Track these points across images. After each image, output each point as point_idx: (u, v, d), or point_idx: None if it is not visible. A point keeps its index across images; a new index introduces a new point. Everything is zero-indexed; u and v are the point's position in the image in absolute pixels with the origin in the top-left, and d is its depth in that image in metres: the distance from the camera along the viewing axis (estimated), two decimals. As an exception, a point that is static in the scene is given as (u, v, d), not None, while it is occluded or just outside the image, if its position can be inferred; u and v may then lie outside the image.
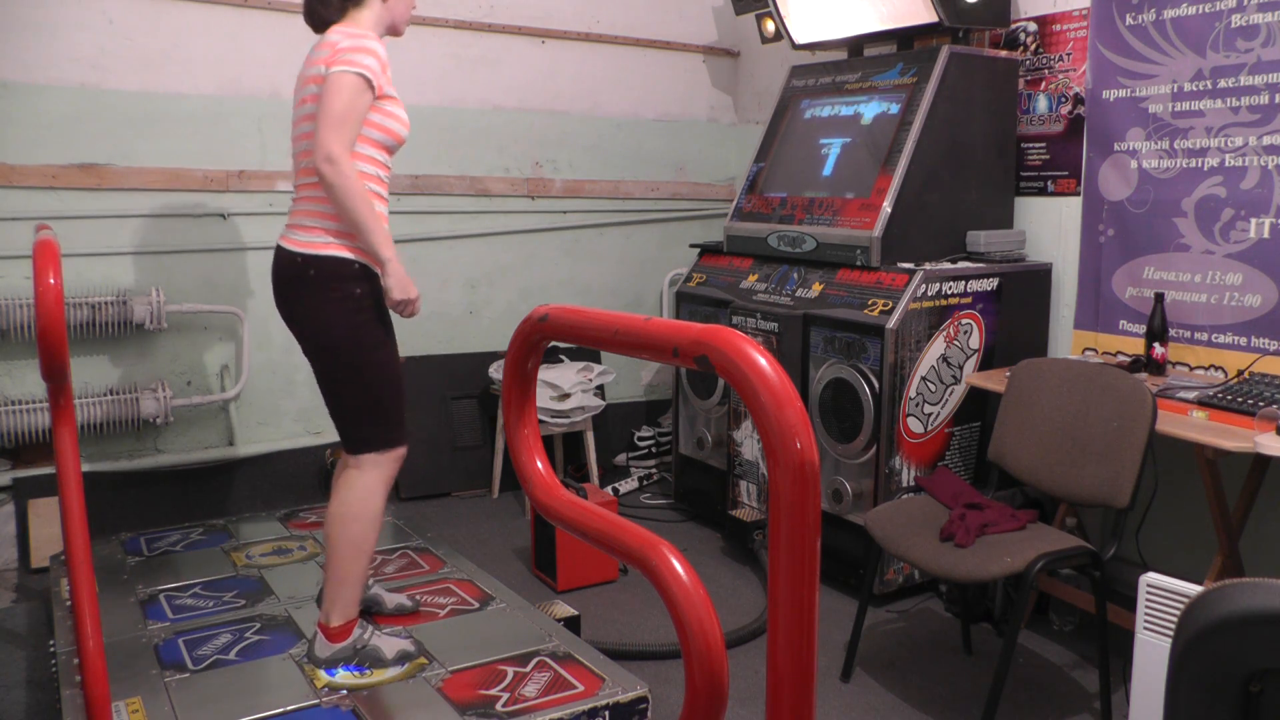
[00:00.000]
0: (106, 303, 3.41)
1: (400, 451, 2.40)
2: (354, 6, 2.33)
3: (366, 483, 2.35)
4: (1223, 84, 2.87)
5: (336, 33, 2.26)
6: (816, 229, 3.38)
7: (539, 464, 1.30)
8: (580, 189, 4.51)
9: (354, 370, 2.30)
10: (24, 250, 3.26)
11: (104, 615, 2.16)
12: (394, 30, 2.42)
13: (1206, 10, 2.88)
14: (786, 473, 0.86)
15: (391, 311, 2.35)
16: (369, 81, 2.20)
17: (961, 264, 3.21)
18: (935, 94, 3.23)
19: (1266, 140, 2.78)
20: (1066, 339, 3.36)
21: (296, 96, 2.37)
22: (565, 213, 4.50)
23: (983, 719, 2.30)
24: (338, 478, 2.41)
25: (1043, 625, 3.02)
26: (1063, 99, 3.34)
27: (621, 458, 4.63)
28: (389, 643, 2.45)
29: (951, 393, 3.16)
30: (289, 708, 2.22)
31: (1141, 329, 3.00)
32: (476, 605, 2.81)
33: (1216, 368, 2.91)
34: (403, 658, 2.43)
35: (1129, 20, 3.09)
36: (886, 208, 3.17)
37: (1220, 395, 2.52)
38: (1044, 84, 3.40)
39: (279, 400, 3.93)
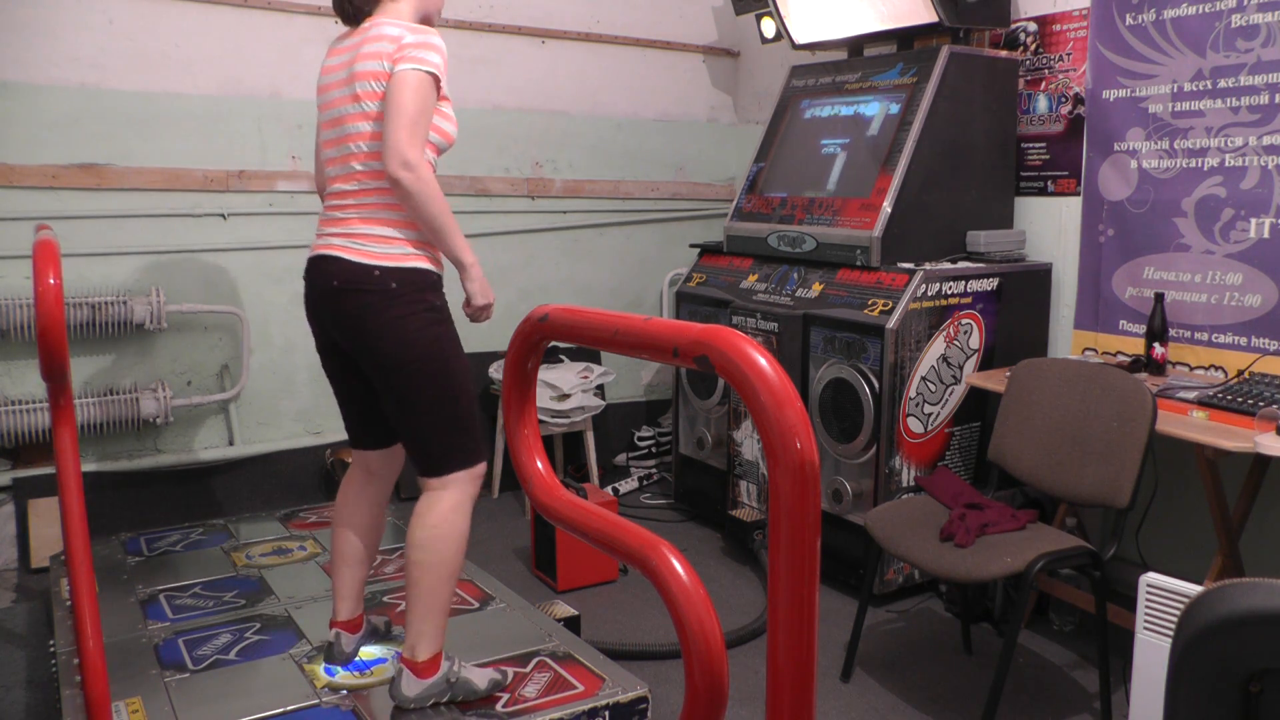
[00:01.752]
0: (106, 303, 3.41)
1: (484, 467, 2.25)
2: None
3: (454, 501, 2.18)
4: (1223, 84, 2.87)
5: (391, 25, 2.06)
6: (816, 229, 3.38)
7: (539, 464, 1.30)
8: (580, 189, 4.51)
9: (439, 385, 2.12)
10: (24, 250, 3.26)
11: (104, 615, 2.16)
12: (428, 20, 2.21)
13: (1206, 10, 2.88)
14: (786, 473, 0.86)
15: (467, 316, 2.23)
16: (438, 81, 2.04)
17: (961, 264, 3.21)
18: (935, 94, 3.23)
19: (1266, 140, 2.78)
20: (1066, 339, 3.36)
21: (335, 93, 2.14)
22: (565, 213, 4.50)
23: (983, 719, 2.30)
24: (420, 505, 2.22)
25: (1043, 625, 3.02)
26: (1063, 99, 3.34)
27: (621, 458, 4.63)
28: (479, 673, 2.27)
29: (951, 393, 3.16)
30: (289, 708, 2.22)
31: (1141, 329, 3.00)
32: (476, 605, 2.81)
33: (1216, 368, 2.91)
34: (495, 686, 2.27)
35: (1129, 20, 3.09)
36: (886, 208, 3.17)
37: (1220, 395, 2.52)
38: (1044, 84, 3.40)
39: (279, 400, 3.93)
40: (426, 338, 2.09)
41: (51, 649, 2.61)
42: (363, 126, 2.09)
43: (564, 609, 2.81)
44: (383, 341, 2.08)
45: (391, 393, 2.14)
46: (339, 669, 2.36)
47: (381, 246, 2.08)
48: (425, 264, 2.12)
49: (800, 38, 3.89)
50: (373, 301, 2.06)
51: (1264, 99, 2.77)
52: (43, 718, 2.49)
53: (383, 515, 2.44)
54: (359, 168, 2.11)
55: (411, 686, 2.17)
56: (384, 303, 2.06)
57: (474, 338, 4.33)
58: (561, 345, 4.29)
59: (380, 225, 2.09)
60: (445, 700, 2.20)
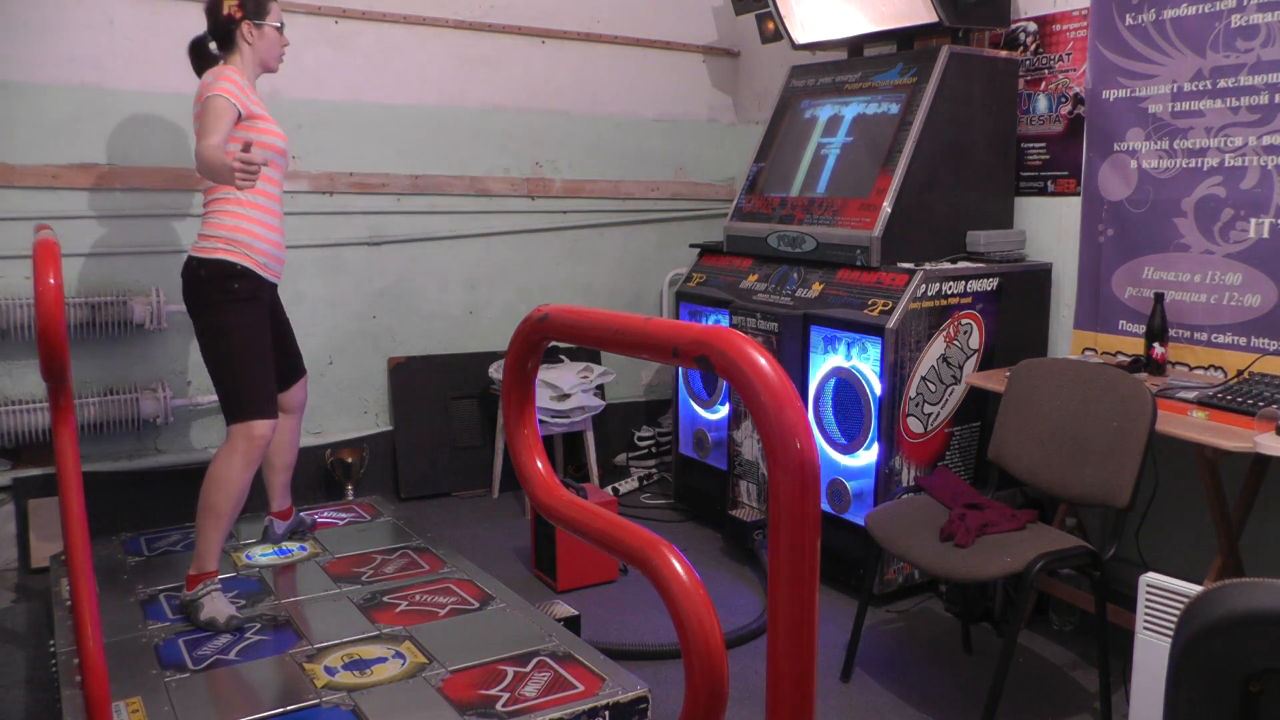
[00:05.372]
0: (106, 303, 3.42)
1: (262, 426, 2.75)
2: (228, 52, 2.82)
3: (226, 450, 2.76)
4: (1223, 84, 2.87)
5: (208, 74, 2.73)
6: (816, 229, 3.38)
7: (539, 464, 1.30)
8: (580, 189, 4.51)
9: (219, 351, 2.79)
10: (24, 250, 3.26)
11: (104, 615, 2.17)
12: (266, 68, 2.88)
13: (1206, 10, 2.88)
14: (786, 473, 0.86)
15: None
16: (228, 101, 2.63)
17: (961, 264, 3.21)
18: (935, 94, 3.23)
19: (1266, 140, 2.78)
20: (1066, 339, 3.36)
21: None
22: (565, 213, 4.50)
23: (983, 719, 2.30)
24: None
25: (1043, 625, 3.02)
26: (1063, 99, 3.34)
27: (621, 458, 4.63)
28: (219, 607, 2.65)
29: (951, 393, 3.16)
30: (289, 708, 2.22)
31: (1141, 329, 3.00)
32: (476, 605, 2.81)
33: (1216, 368, 2.91)
34: (210, 623, 2.61)
35: (1129, 20, 3.09)
36: (886, 208, 3.17)
37: (1220, 395, 2.52)
38: (1044, 84, 3.40)
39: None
40: (218, 314, 2.71)
41: (51, 649, 2.61)
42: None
43: (564, 609, 2.81)
44: (194, 316, 2.77)
45: (200, 349, 2.80)
46: (270, 553, 3.11)
47: (201, 243, 2.75)
48: (229, 257, 2.71)
49: (800, 38, 3.89)
50: (186, 284, 2.76)
51: (1264, 99, 2.77)
52: (43, 718, 2.49)
53: (296, 435, 3.18)
54: (200, 186, 2.85)
55: (184, 593, 2.70)
56: (192, 286, 2.74)
57: (474, 337, 4.36)
58: (561, 345, 4.29)
59: (205, 227, 2.76)
60: (186, 613, 2.66)
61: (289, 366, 3.07)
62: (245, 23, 2.78)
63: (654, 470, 4.55)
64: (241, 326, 2.72)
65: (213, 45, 2.85)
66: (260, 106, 2.79)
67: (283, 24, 2.89)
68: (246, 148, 2.53)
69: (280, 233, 2.88)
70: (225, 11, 2.78)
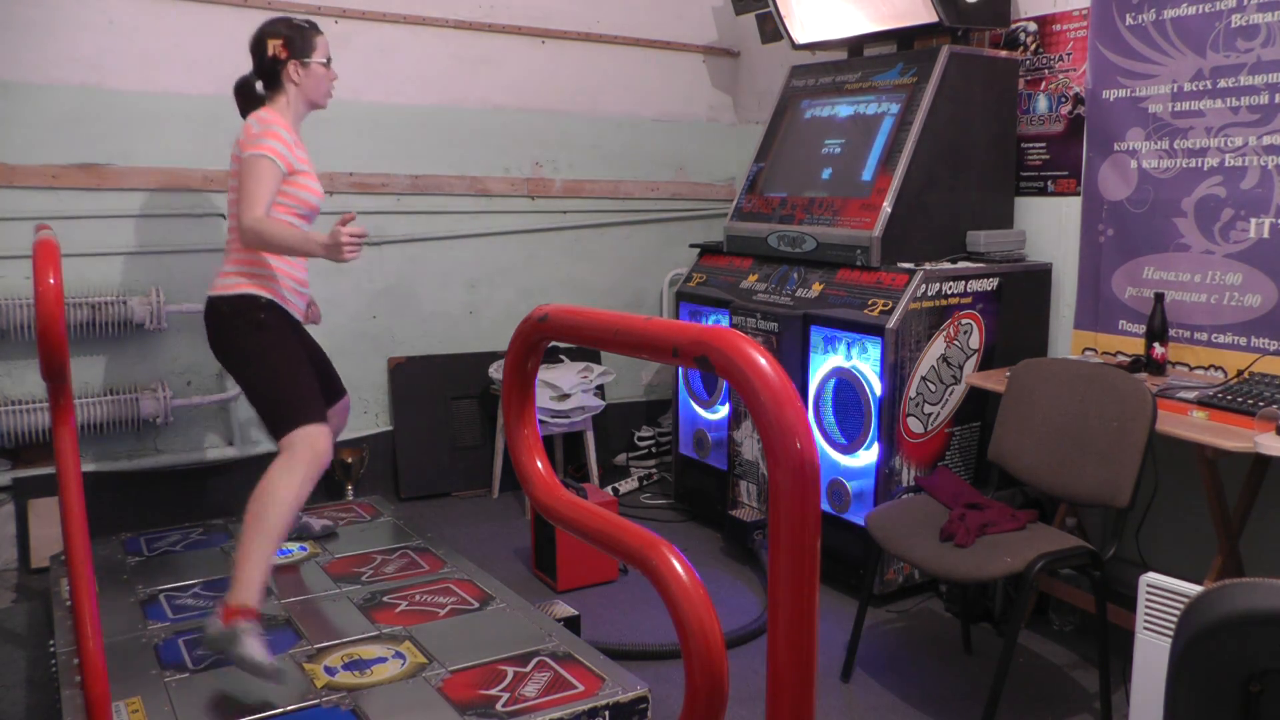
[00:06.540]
0: (106, 303, 3.41)
1: (318, 431, 2.57)
2: (274, 92, 2.74)
3: (282, 462, 2.53)
4: (1223, 84, 2.87)
5: (252, 117, 2.66)
6: (816, 229, 3.38)
7: (539, 464, 1.29)
8: (580, 189, 4.51)
9: (257, 373, 2.68)
10: (24, 250, 3.25)
11: (104, 615, 2.16)
12: (315, 106, 2.81)
13: (1206, 10, 2.88)
14: (786, 473, 0.86)
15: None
16: (275, 162, 2.56)
17: (961, 264, 3.21)
18: (935, 94, 3.23)
19: (1266, 140, 2.78)
20: (1066, 339, 3.36)
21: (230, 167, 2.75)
22: (565, 213, 4.50)
23: (983, 719, 2.30)
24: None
25: (1043, 625, 3.02)
26: (1063, 99, 3.34)
27: (621, 458, 4.63)
28: (258, 650, 2.28)
29: (951, 393, 3.16)
30: (289, 708, 2.22)
31: (1141, 329, 3.00)
32: (476, 605, 2.81)
33: (1216, 368, 2.91)
34: (256, 669, 2.25)
35: (1129, 20, 3.09)
36: (886, 208, 3.17)
37: (1220, 395, 2.52)
38: (1044, 84, 3.40)
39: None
40: (249, 340, 2.62)
41: (51, 649, 2.61)
42: (231, 195, 2.70)
43: (564, 609, 2.81)
44: (224, 353, 2.69)
45: (241, 389, 2.72)
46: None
47: (222, 280, 2.68)
48: (252, 290, 2.64)
49: (800, 38, 3.89)
50: (214, 325, 2.68)
51: (1264, 99, 2.77)
52: (43, 718, 2.49)
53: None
54: (229, 223, 2.72)
55: (213, 625, 2.34)
56: (220, 324, 2.66)
57: (474, 338, 4.36)
58: (561, 345, 4.29)
59: (227, 265, 2.70)
60: (220, 653, 2.31)
61: (329, 389, 2.95)
62: (291, 62, 2.70)
63: (654, 470, 4.55)
64: (275, 345, 2.62)
65: (258, 85, 2.77)
66: (304, 155, 2.71)
67: (329, 59, 2.79)
68: (345, 221, 2.46)
69: (305, 272, 2.81)
70: (270, 52, 2.69)
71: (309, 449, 2.50)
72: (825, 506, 3.20)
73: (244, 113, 2.77)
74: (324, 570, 3.06)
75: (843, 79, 3.64)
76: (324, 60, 2.75)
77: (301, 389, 2.59)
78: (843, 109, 3.58)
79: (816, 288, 3.30)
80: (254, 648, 2.27)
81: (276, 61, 2.70)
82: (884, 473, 3.05)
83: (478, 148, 4.25)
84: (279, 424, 2.55)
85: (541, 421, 3.89)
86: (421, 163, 4.13)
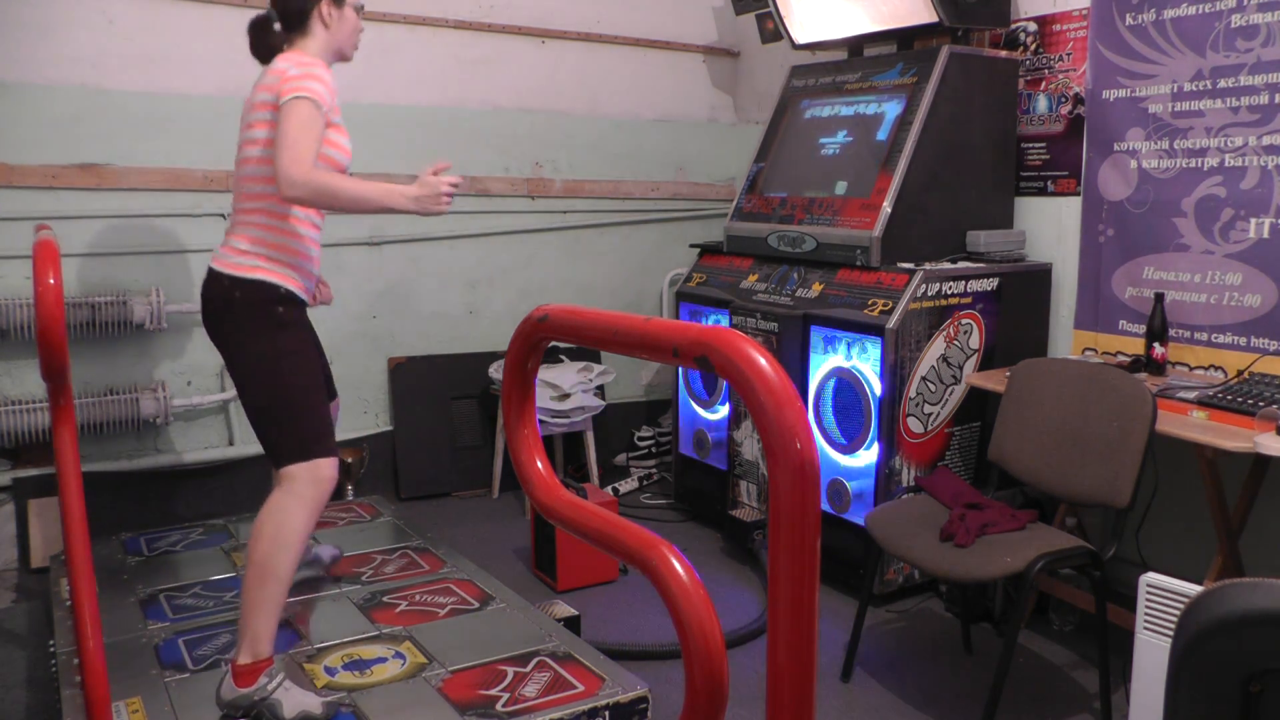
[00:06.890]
0: (106, 303, 3.41)
1: (325, 465, 2.26)
2: (299, 35, 2.35)
3: (281, 497, 2.25)
4: (1223, 84, 2.87)
5: (282, 60, 2.27)
6: (816, 229, 3.37)
7: (539, 464, 1.29)
8: (580, 189, 4.51)
9: (267, 385, 2.33)
10: (24, 250, 3.25)
11: (104, 615, 2.16)
12: (342, 56, 2.44)
13: (1206, 10, 2.88)
14: (786, 473, 0.86)
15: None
16: (319, 106, 2.19)
17: (961, 264, 3.21)
18: (935, 94, 3.23)
19: (1266, 140, 2.78)
20: (1066, 339, 3.36)
21: (241, 123, 2.35)
22: (565, 213, 4.50)
23: (983, 719, 2.30)
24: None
25: (1043, 625, 3.02)
26: (1063, 99, 3.34)
27: (621, 458, 4.63)
28: (299, 697, 2.17)
29: (951, 393, 3.16)
30: (289, 708, 2.22)
31: (1141, 329, 3.00)
32: (476, 605, 2.81)
33: (1216, 368, 2.91)
34: (304, 718, 2.14)
35: (1129, 20, 3.09)
36: (886, 208, 3.17)
37: (1220, 395, 2.52)
38: (1044, 84, 3.40)
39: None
40: (263, 340, 2.26)
41: (51, 649, 2.61)
42: (248, 151, 2.31)
43: (564, 609, 2.81)
44: (226, 343, 2.32)
45: (236, 387, 2.33)
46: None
47: (235, 258, 2.28)
48: (272, 278, 2.27)
49: (800, 38, 3.89)
50: (217, 307, 2.29)
51: (1264, 99, 2.77)
52: (43, 718, 2.49)
53: None
54: (240, 189, 2.35)
55: (228, 690, 2.15)
56: (225, 309, 2.27)
57: (474, 338, 4.36)
58: (561, 345, 4.29)
59: (241, 239, 2.30)
60: (251, 716, 2.14)
61: (326, 391, 2.60)
62: (325, 2, 2.32)
63: (654, 470, 4.55)
64: (292, 353, 2.26)
65: (277, 26, 2.36)
66: (337, 109, 2.33)
67: (362, 5, 2.44)
68: (439, 170, 2.26)
69: (319, 250, 2.47)
70: None
71: (314, 484, 2.21)
72: (825, 506, 3.20)
73: (260, 55, 2.41)
74: (324, 570, 3.06)
75: (843, 79, 3.64)
76: (359, 4, 2.41)
77: (317, 415, 2.27)
78: (843, 109, 3.58)
79: (816, 288, 3.30)
80: (295, 699, 2.14)
81: (308, 0, 2.32)
82: (884, 473, 3.05)
83: (478, 148, 4.25)
84: (285, 452, 2.22)
85: (541, 421, 3.89)
86: (421, 163, 4.08)
